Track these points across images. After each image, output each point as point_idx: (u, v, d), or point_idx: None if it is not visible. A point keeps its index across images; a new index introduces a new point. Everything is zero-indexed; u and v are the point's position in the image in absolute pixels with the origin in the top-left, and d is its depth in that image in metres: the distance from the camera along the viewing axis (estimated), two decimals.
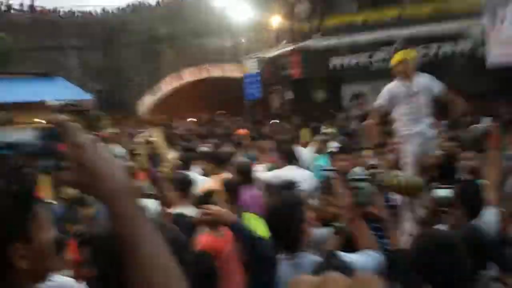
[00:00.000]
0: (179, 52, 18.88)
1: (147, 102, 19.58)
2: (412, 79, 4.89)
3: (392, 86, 4.96)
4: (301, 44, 12.50)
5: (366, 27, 12.37)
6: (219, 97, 17.47)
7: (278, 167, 4.78)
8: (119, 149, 8.02)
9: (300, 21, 13.73)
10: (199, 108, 18.99)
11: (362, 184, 2.25)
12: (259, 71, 13.19)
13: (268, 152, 5.72)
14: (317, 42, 12.35)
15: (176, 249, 1.02)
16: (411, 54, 5.09)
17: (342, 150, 5.05)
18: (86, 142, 0.88)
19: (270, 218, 2.37)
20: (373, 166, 4.13)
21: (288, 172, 4.47)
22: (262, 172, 4.82)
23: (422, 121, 4.82)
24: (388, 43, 11.07)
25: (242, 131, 9.05)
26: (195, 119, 17.32)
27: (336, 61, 11.95)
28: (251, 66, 13.44)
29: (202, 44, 18.33)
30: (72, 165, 0.87)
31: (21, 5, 20.36)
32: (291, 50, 12.49)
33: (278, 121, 11.31)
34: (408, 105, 4.82)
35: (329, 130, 8.15)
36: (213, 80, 17.70)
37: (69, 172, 0.88)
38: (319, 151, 6.26)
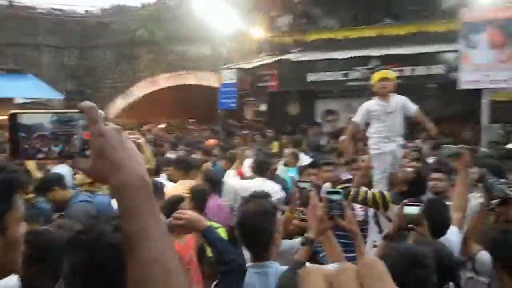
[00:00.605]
0: (156, 57, 18.73)
1: (119, 105, 19.29)
2: (389, 99, 5.00)
3: (370, 104, 5.06)
4: (279, 57, 12.62)
5: (344, 45, 12.60)
6: (193, 105, 17.40)
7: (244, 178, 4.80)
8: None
9: (281, 35, 13.87)
10: (171, 114, 18.86)
11: (336, 197, 2.26)
12: (235, 81, 13.22)
13: (237, 163, 5.72)
14: (295, 57, 12.48)
15: None
16: (391, 74, 5.20)
17: (312, 164, 5.10)
18: (110, 130, 0.86)
19: (241, 225, 2.37)
20: (344, 181, 4.20)
21: (259, 183, 4.48)
22: (232, 181, 4.81)
23: (395, 140, 4.93)
24: (364, 62, 11.31)
25: (211, 141, 9.04)
26: (165, 126, 17.20)
27: (312, 77, 12.09)
28: (228, 76, 13.46)
29: (181, 50, 18.24)
30: (92, 152, 0.85)
31: None
32: (270, 62, 12.58)
33: (249, 132, 11.35)
34: (383, 124, 4.92)
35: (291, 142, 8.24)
36: (188, 88, 17.62)
37: (87, 159, 0.85)
38: (289, 164, 6.33)
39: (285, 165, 6.37)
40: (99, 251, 1.25)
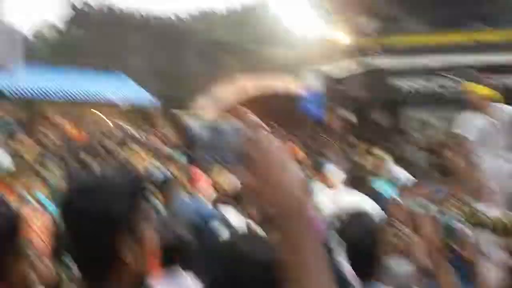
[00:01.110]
0: (240, 60, 19.10)
1: (203, 106, 19.91)
2: (493, 112, 4.60)
3: (477, 120, 4.61)
4: (365, 62, 12.26)
5: (435, 49, 11.96)
6: (275, 109, 17.47)
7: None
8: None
9: (366, 39, 13.48)
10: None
11: (453, 222, 2.10)
12: (319, 86, 13.06)
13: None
14: (382, 62, 12.06)
15: None
16: (492, 86, 4.77)
17: (409, 180, 4.84)
18: (268, 144, 0.78)
19: (348, 246, 2.30)
20: (445, 199, 3.92)
21: (357, 198, 4.30)
22: (325, 195, 4.68)
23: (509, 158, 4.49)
24: (459, 69, 10.66)
25: (300, 154, 8.93)
26: None
27: (399, 83, 11.60)
28: (311, 81, 13.33)
29: (264, 54, 18.48)
30: (247, 164, 0.78)
31: (97, 2, 21.35)
32: (355, 68, 12.27)
33: (334, 140, 11.14)
34: (495, 141, 4.49)
35: (381, 153, 7.91)
36: (271, 92, 17.75)
37: (242, 171, 0.79)
38: (378, 175, 6.07)
39: (373, 175, 6.14)
40: (246, 266, 1.22)
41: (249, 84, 18.80)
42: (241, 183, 0.80)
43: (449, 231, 2.09)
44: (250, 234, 2.44)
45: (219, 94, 19.49)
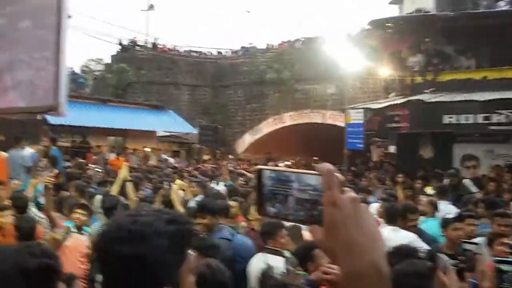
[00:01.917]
0: (283, 96, 19.33)
1: (246, 141, 20.14)
2: None
3: None
4: (412, 97, 12.10)
5: (484, 85, 11.74)
6: (318, 143, 17.43)
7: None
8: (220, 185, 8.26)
9: (413, 74, 13.36)
10: (297, 152, 19.10)
11: (508, 268, 2.00)
12: (363, 121, 12.94)
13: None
14: (429, 97, 11.87)
15: None
16: None
17: (458, 217, 4.62)
18: (345, 200, 0.73)
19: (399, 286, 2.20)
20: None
21: (398, 235, 4.16)
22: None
23: None
24: (507, 105, 10.36)
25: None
26: (289, 162, 17.40)
27: (448, 119, 11.33)
28: (355, 115, 13.26)
29: (306, 89, 18.65)
30: (324, 223, 0.74)
31: (145, 42, 22.37)
32: (400, 103, 12.11)
33: (377, 174, 10.92)
34: None
35: (431, 191, 7.63)
36: (313, 126, 17.76)
37: (317, 228, 0.75)
38: (426, 213, 5.84)
39: (421, 214, 5.90)
40: None
41: (290, 117, 18.93)
42: (315, 241, 0.76)
43: (506, 278, 1.97)
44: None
45: (263, 128, 19.71)
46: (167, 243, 1.02)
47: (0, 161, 6.19)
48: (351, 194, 0.74)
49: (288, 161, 17.66)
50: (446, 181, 8.62)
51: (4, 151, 6.96)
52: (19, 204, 4.39)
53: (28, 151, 8.33)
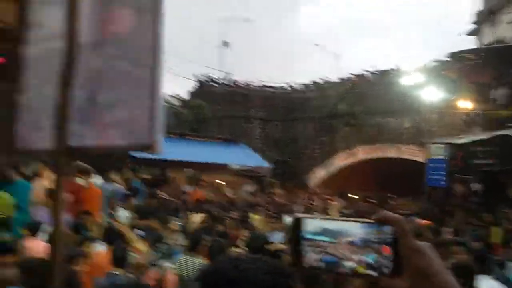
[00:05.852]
0: (355, 129, 18.96)
1: (318, 175, 19.86)
2: None
3: None
4: (498, 132, 11.35)
5: None
6: (393, 178, 16.78)
7: None
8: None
9: (496, 107, 12.59)
10: (370, 187, 18.49)
11: None
12: (445, 157, 12.30)
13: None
14: None
15: None
16: None
17: None
18: (424, 245, 0.75)
19: None
20: None
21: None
22: None
23: None
24: None
25: (423, 221, 8.39)
26: (357, 196, 16.88)
27: None
28: (435, 151, 12.64)
29: (380, 122, 18.16)
30: (408, 269, 0.74)
31: (220, 78, 23.17)
32: (487, 138, 11.39)
33: (461, 213, 10.25)
34: None
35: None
36: (388, 161, 17.16)
37: (400, 279, 0.74)
38: None
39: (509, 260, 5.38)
40: None
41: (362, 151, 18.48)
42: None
43: None
44: None
45: (335, 162, 19.39)
46: None
47: (97, 195, 6.57)
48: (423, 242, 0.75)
49: (355, 195, 17.16)
50: None
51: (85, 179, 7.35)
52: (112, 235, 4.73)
53: (117, 186, 8.83)
